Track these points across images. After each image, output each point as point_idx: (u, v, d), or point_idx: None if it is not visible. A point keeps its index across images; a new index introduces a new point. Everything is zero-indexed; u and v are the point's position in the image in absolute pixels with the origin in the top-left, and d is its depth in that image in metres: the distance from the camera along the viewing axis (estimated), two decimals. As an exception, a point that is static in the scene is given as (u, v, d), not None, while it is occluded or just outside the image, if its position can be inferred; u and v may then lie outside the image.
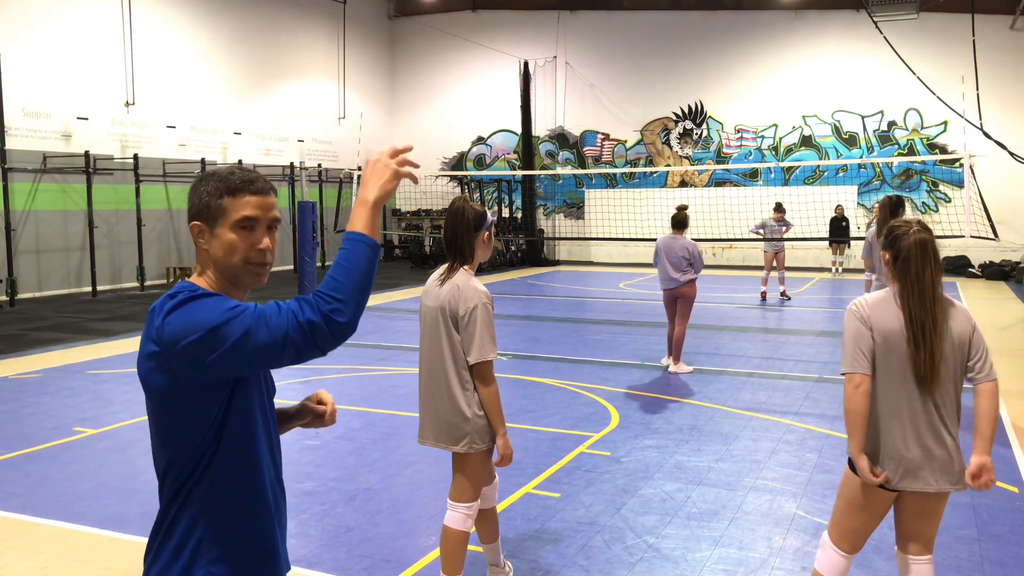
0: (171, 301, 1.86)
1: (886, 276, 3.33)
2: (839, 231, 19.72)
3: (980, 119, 14.88)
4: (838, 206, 20.11)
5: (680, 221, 9.28)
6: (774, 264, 15.40)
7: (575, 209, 25.13)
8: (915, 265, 3.15)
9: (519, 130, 25.00)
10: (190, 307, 1.83)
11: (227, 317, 1.79)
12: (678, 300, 9.21)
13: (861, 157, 21.62)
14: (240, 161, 20.93)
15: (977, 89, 15.14)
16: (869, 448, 3.26)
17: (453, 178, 25.16)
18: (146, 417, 2.03)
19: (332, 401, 2.39)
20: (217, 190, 1.97)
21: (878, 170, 21.62)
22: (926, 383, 3.15)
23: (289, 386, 8.56)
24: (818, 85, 22.17)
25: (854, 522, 3.34)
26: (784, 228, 15.25)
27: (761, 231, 15.20)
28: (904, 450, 3.20)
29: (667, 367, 9.39)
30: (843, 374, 3.26)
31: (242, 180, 1.98)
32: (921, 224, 3.25)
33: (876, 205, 8.22)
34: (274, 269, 21.75)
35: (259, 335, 1.77)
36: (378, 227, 1.90)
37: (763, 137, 22.95)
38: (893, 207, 8.03)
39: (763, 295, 15.40)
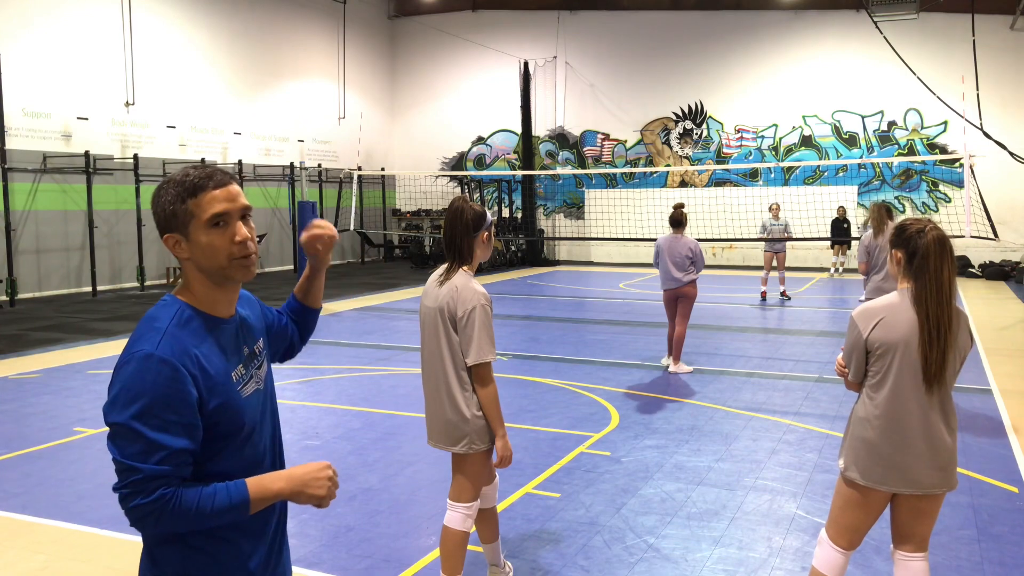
0: (124, 358, 1.84)
1: (897, 276, 3.29)
2: (841, 232, 19.74)
3: (980, 119, 14.89)
4: (840, 207, 20.12)
5: (678, 220, 9.25)
6: (774, 264, 15.41)
7: (575, 209, 25.13)
8: (934, 262, 3.11)
9: (519, 130, 25.00)
10: (124, 375, 1.81)
11: (134, 413, 1.77)
12: (679, 300, 9.18)
13: (861, 157, 21.61)
14: (240, 161, 20.94)
15: (977, 89, 15.14)
16: (870, 446, 3.27)
17: (453, 178, 25.16)
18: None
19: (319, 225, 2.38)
20: (178, 195, 1.89)
21: (878, 170, 21.62)
22: (933, 383, 3.15)
23: (289, 386, 8.56)
24: (818, 85, 22.17)
25: (851, 519, 3.35)
26: (783, 225, 15.23)
27: (765, 232, 15.22)
28: (905, 451, 3.21)
29: (667, 367, 9.39)
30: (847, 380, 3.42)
31: (200, 178, 1.90)
32: (933, 222, 3.24)
33: (872, 205, 8.23)
34: (274, 269, 21.86)
35: (130, 447, 1.77)
36: (264, 502, 1.89)
37: (763, 137, 22.94)
38: (888, 210, 8.06)
39: (763, 295, 15.40)
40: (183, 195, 1.89)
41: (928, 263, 3.12)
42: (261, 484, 1.89)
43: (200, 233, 1.89)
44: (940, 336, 3.11)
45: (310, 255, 2.38)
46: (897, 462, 3.22)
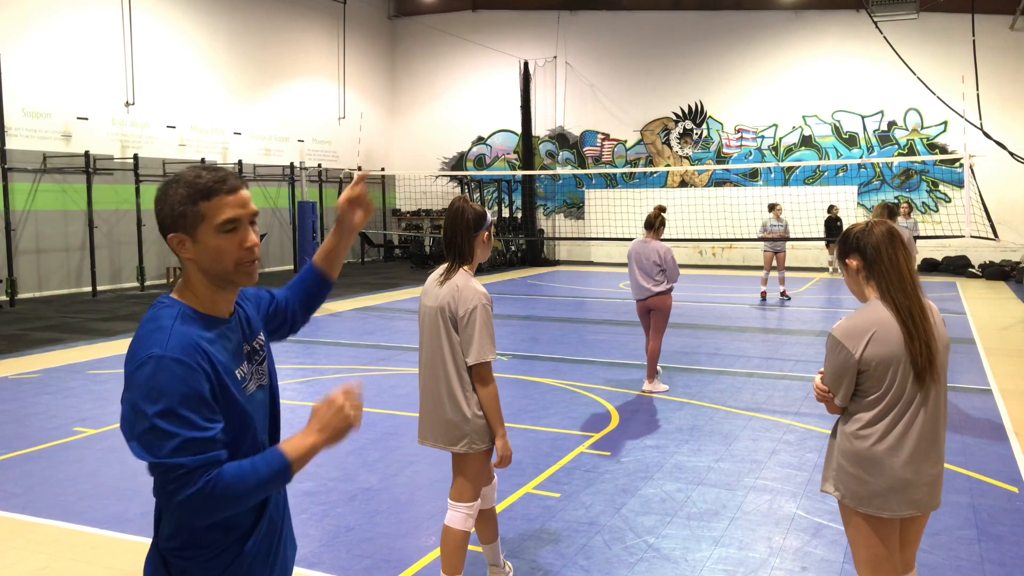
0: (134, 364, 1.80)
1: (859, 285, 3.10)
2: (834, 231, 19.71)
3: (980, 119, 14.89)
4: (831, 206, 20.03)
5: (650, 222, 8.43)
6: (774, 264, 15.41)
7: (575, 209, 25.13)
8: (887, 252, 3.01)
9: (519, 130, 25.00)
10: (138, 381, 1.78)
11: (164, 411, 1.75)
12: (651, 313, 8.26)
13: (861, 157, 21.61)
14: (240, 161, 20.94)
15: (977, 89, 15.14)
16: (868, 468, 3.05)
17: (453, 178, 25.16)
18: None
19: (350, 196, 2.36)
20: (190, 196, 1.87)
21: (878, 170, 21.62)
22: (924, 379, 2.96)
23: (289, 386, 8.56)
24: (818, 85, 22.17)
25: (882, 545, 3.06)
26: (783, 226, 15.23)
27: (764, 232, 15.23)
28: (905, 473, 3.00)
29: (657, 377, 8.51)
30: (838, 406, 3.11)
31: (214, 181, 1.88)
32: (878, 220, 3.14)
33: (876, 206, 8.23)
34: (274, 269, 21.84)
35: (164, 446, 1.74)
36: (304, 460, 1.91)
37: (763, 137, 22.94)
38: (890, 212, 8.07)
39: (763, 295, 15.40)
40: (195, 197, 1.87)
41: (881, 255, 3.01)
42: (294, 445, 1.90)
43: (209, 236, 1.89)
44: (916, 324, 2.96)
45: (345, 219, 2.36)
46: (903, 487, 3.00)
